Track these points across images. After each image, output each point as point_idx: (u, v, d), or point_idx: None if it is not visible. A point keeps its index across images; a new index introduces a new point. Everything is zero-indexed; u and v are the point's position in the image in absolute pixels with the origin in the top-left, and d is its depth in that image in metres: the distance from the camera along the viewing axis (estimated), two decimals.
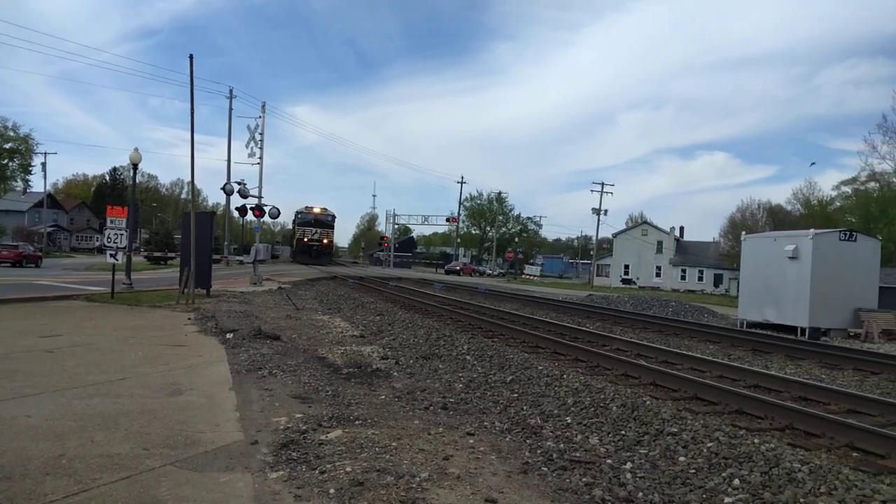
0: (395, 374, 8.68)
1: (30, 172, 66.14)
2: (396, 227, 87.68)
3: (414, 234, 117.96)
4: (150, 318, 13.48)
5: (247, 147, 45.51)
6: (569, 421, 6.34)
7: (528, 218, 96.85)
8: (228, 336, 10.87)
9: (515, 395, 7.55)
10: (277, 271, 38.22)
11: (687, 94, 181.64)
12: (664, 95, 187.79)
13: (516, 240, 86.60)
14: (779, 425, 6.55)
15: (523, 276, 74.45)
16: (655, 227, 76.21)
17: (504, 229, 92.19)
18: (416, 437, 5.45)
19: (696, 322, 20.13)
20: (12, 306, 14.49)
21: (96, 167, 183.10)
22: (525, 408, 6.88)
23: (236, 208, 30.51)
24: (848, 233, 19.97)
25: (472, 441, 5.49)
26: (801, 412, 6.71)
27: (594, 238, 76.21)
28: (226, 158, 47.41)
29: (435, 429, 5.82)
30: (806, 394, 8.30)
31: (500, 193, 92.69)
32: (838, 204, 59.64)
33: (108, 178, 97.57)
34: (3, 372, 7.18)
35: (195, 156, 17.04)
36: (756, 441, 5.41)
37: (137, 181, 60.51)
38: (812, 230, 20.26)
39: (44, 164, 64.92)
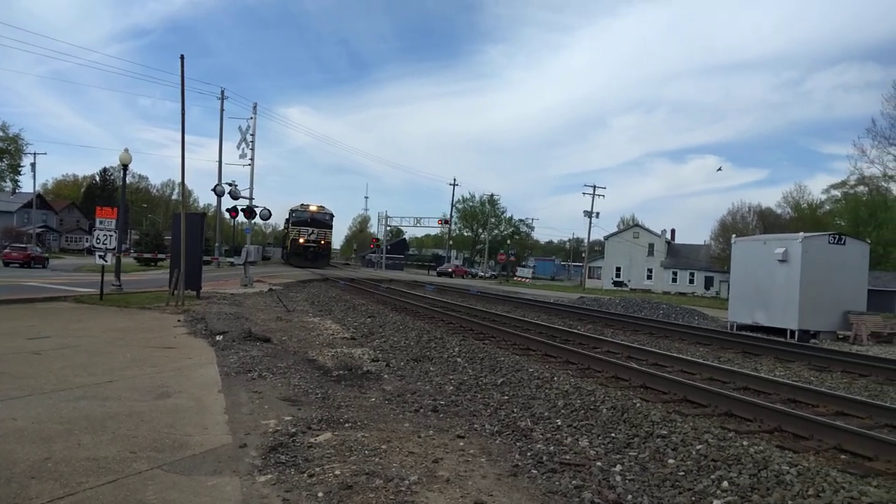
0: (386, 376, 8.65)
1: (19, 173, 65.69)
2: (388, 228, 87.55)
3: (406, 236, 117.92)
4: (140, 320, 13.39)
5: (238, 148, 45.16)
6: (559, 423, 6.34)
7: (521, 220, 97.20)
8: (218, 338, 10.81)
9: (506, 397, 7.55)
10: (268, 273, 38.08)
11: (679, 97, 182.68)
12: (656, 99, 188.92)
13: (508, 242, 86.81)
14: (768, 427, 6.57)
15: (515, 278, 74.48)
16: (647, 230, 76.55)
17: (496, 231, 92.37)
18: (405, 440, 5.44)
19: (687, 324, 20.23)
20: (0, 308, 14.35)
21: (86, 168, 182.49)
22: (515, 410, 6.88)
23: (227, 210, 30.45)
24: (837, 236, 20.14)
25: (462, 444, 5.48)
26: (790, 414, 6.75)
27: (586, 240, 76.51)
28: (217, 159, 47.29)
29: (425, 431, 5.81)
30: (795, 396, 8.35)
31: (492, 196, 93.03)
32: (828, 207, 60.20)
33: (98, 178, 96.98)
34: None
35: (186, 157, 16.94)
36: (745, 443, 5.44)
37: (128, 182, 60.43)
38: (801, 233, 20.40)
39: (33, 165, 64.62)
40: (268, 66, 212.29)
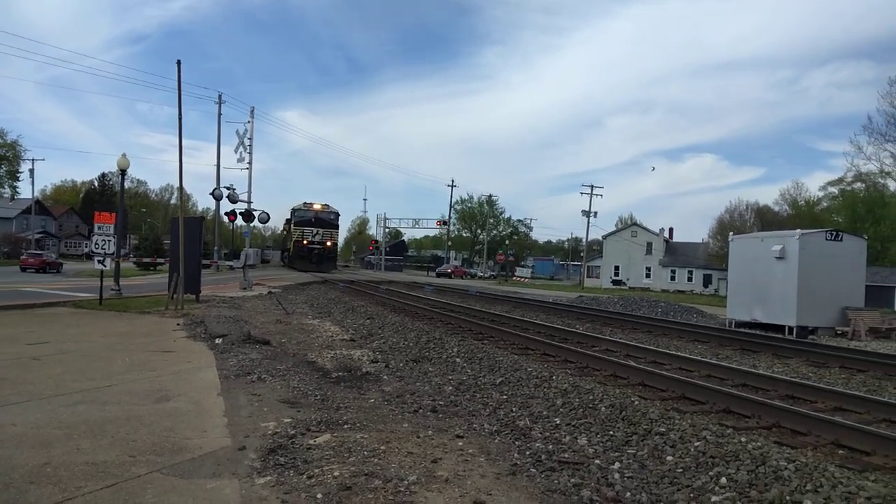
0: (385, 377, 8.67)
1: (17, 179, 65.80)
2: (387, 230, 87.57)
3: (405, 238, 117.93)
4: (139, 325, 13.39)
5: (236, 152, 45.33)
6: (558, 422, 6.35)
7: (519, 220, 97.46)
8: (217, 341, 10.81)
9: (505, 396, 7.56)
10: (268, 276, 38.08)
11: (674, 97, 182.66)
12: (652, 99, 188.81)
13: (507, 242, 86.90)
14: (766, 424, 6.58)
15: (514, 278, 74.56)
16: (645, 229, 76.61)
17: (495, 232, 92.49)
18: (404, 441, 5.45)
19: (685, 322, 20.23)
20: None
21: (85, 173, 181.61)
22: (514, 409, 6.89)
23: (226, 213, 30.49)
24: (834, 232, 20.16)
25: (461, 443, 5.50)
26: (788, 410, 6.76)
27: (584, 240, 76.56)
28: (215, 163, 47.20)
29: (424, 432, 5.82)
30: (793, 392, 8.36)
31: (490, 196, 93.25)
32: (825, 204, 60.41)
33: (96, 184, 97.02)
34: None
35: (184, 161, 17.00)
36: (743, 440, 5.45)
37: (126, 187, 60.31)
38: (799, 230, 20.44)
39: (31, 171, 64.67)
40: (265, 70, 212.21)
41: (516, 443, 5.61)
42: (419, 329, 13.70)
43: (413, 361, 10.02)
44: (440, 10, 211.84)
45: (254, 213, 28.89)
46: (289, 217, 58.25)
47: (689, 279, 69.01)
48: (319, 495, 4.06)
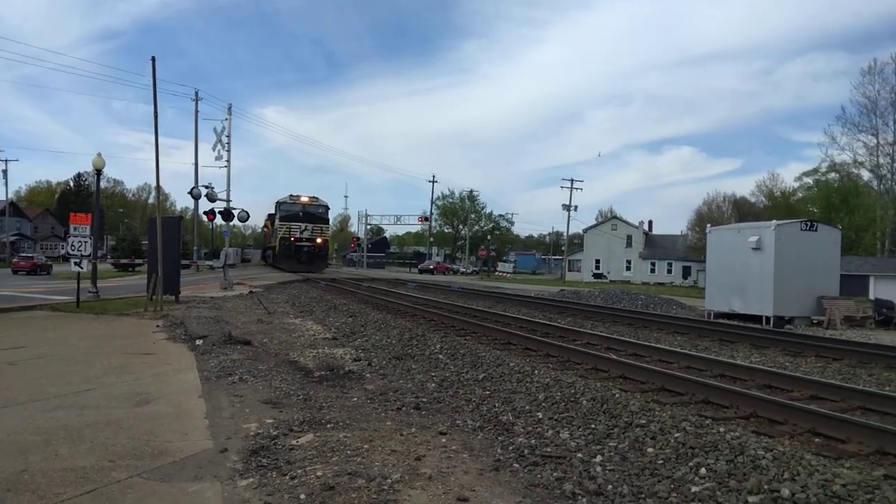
0: (368, 375, 8.65)
1: None
2: (369, 227, 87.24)
3: (387, 234, 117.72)
4: (117, 327, 13.23)
5: (214, 150, 44.76)
6: (540, 416, 6.40)
7: (500, 215, 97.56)
8: (198, 342, 10.72)
9: (488, 392, 7.59)
10: (249, 275, 37.78)
11: (653, 89, 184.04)
12: (631, 91, 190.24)
13: (489, 237, 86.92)
14: (744, 413, 6.69)
15: (496, 273, 74.77)
16: (625, 222, 77.21)
17: (476, 227, 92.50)
18: (388, 439, 5.46)
19: (665, 314, 20.47)
20: None
21: (60, 173, 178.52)
22: (497, 405, 6.93)
23: (204, 212, 30.16)
24: (809, 223, 20.52)
25: (444, 440, 5.52)
26: (765, 400, 6.87)
27: (565, 234, 77.06)
28: (193, 162, 46.65)
29: (407, 429, 5.83)
30: (770, 382, 8.50)
31: (471, 192, 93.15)
32: (800, 195, 61.33)
33: (72, 184, 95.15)
34: None
35: (161, 160, 16.78)
36: (722, 430, 5.54)
37: (103, 187, 59.37)
38: (774, 221, 20.77)
39: (5, 172, 63.51)
40: (242, 66, 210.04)
41: (499, 438, 5.64)
42: (402, 326, 13.69)
43: (396, 359, 10.02)
44: (417, 2, 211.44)
45: (233, 211, 28.59)
46: (272, 212, 53.04)
47: (669, 271, 69.71)
48: (303, 496, 4.05)
